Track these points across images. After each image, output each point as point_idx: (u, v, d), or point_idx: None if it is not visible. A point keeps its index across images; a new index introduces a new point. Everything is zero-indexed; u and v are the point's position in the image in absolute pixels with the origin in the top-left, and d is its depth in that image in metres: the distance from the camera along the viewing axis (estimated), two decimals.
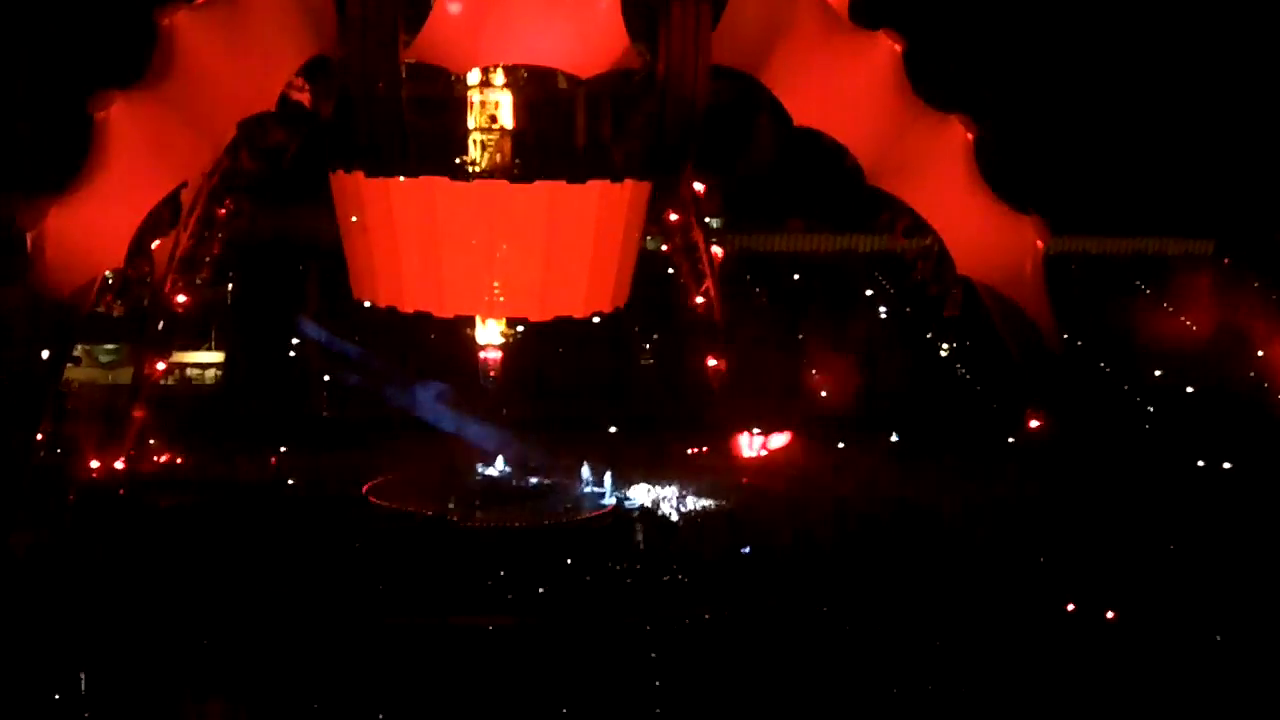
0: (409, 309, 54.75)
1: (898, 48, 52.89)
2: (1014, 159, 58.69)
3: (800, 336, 73.32)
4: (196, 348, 69.58)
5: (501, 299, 54.75)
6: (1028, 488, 52.98)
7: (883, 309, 77.90)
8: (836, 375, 69.04)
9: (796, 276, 79.07)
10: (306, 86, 53.87)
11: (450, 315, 55.89)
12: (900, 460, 60.56)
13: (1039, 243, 52.59)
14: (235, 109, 49.70)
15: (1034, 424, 55.90)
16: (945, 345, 74.55)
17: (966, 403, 68.26)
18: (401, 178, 52.55)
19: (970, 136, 52.73)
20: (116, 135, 45.98)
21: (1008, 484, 54.32)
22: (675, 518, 52.91)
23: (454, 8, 51.17)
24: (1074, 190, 73.18)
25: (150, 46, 48.44)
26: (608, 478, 55.05)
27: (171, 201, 49.50)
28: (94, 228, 45.77)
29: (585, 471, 56.18)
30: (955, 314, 55.96)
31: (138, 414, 56.80)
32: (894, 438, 64.55)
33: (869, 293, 78.52)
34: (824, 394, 69.41)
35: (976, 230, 52.83)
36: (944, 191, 52.99)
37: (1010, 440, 58.69)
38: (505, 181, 55.42)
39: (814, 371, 70.24)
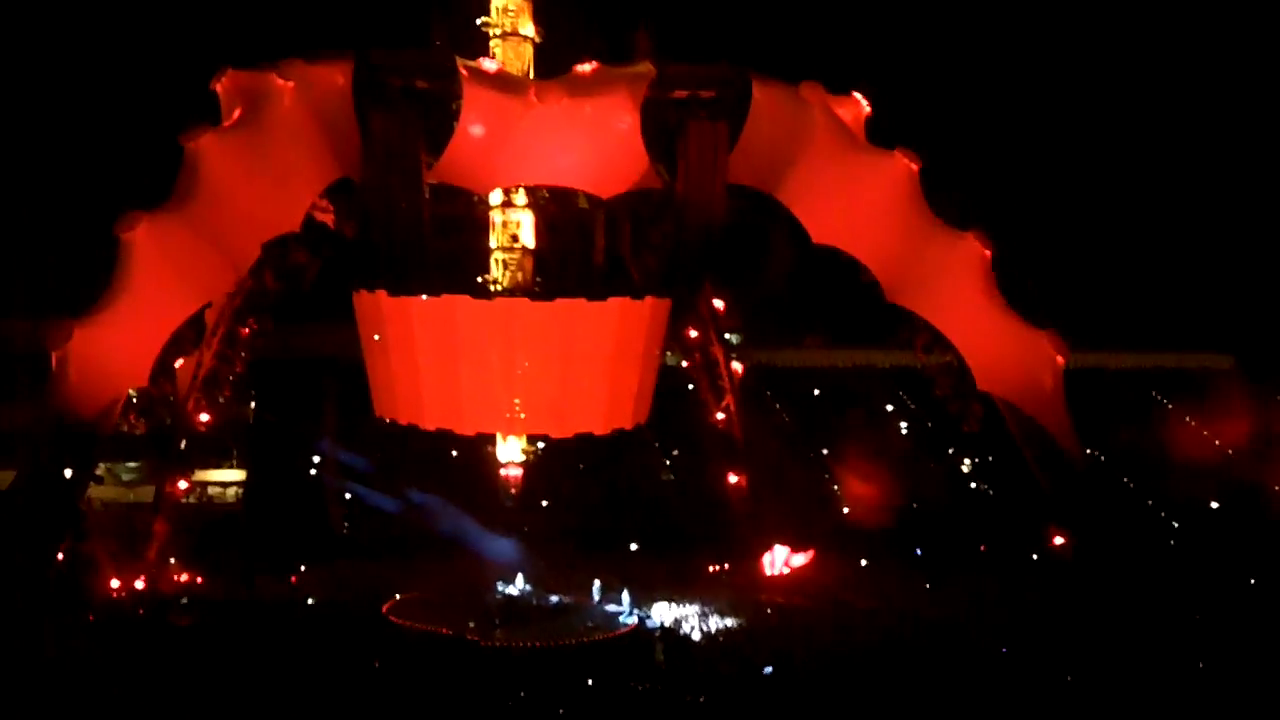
0: (430, 426, 54.95)
1: (914, 166, 53.45)
2: (1031, 274, 58.98)
3: (821, 452, 73.25)
4: (218, 466, 69.77)
5: (522, 416, 54.95)
6: (1051, 604, 52.43)
7: (903, 424, 77.83)
8: (858, 491, 68.81)
9: (817, 392, 79.17)
10: (330, 207, 54.54)
11: (471, 433, 56.11)
12: (923, 577, 59.98)
13: (1058, 358, 52.67)
14: (260, 230, 50.34)
15: (1057, 540, 55.50)
16: (966, 460, 74.30)
17: (989, 519, 67.70)
18: (423, 296, 53.08)
19: (987, 253, 53.14)
20: (141, 256, 46.53)
21: (1031, 600, 53.81)
22: (696, 636, 52.37)
23: (476, 130, 51.96)
24: (1092, 305, 73.45)
25: (175, 169, 49.03)
26: (625, 596, 54.65)
27: (195, 321, 50.15)
28: (118, 348, 46.16)
29: (596, 589, 55.73)
30: (976, 429, 55.91)
31: (159, 532, 56.74)
32: (917, 554, 63.99)
33: (889, 408, 78.51)
34: (846, 510, 69.15)
35: (995, 346, 52.97)
36: (962, 307, 53.24)
37: (1034, 557, 58.18)
38: (526, 299, 55.98)
39: (835, 488, 70.03)
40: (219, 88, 51.56)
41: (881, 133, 55.57)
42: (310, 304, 57.82)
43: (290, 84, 50.30)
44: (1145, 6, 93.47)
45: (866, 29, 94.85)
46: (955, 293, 53.19)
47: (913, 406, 76.77)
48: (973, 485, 73.13)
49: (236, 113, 50.58)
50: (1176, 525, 67.10)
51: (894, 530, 66.11)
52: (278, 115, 50.06)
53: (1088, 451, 56.29)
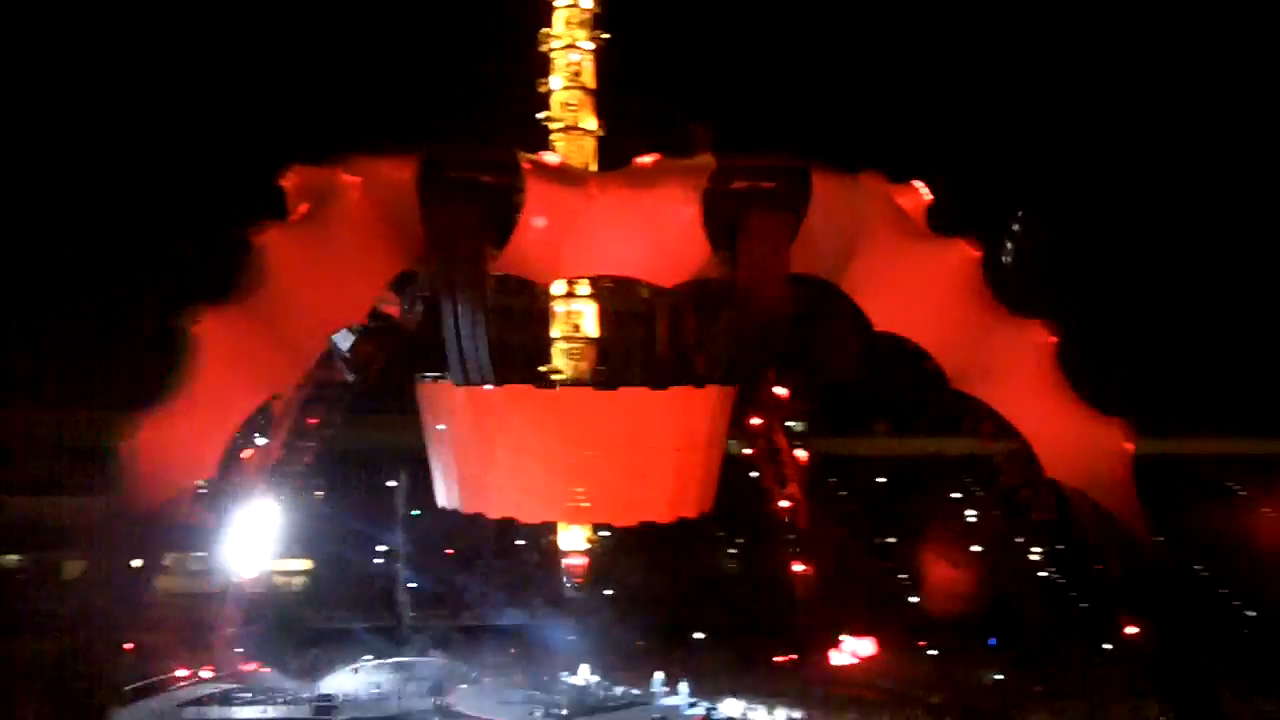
0: (494, 515, 55.15)
1: (976, 254, 53.21)
2: (1099, 361, 58.40)
3: (888, 541, 72.56)
4: (284, 555, 70.10)
5: (585, 505, 55.05)
6: (1125, 694, 51.40)
7: (971, 512, 76.93)
8: (926, 580, 68.02)
9: (882, 480, 78.56)
10: (395, 299, 55.15)
11: (535, 521, 56.28)
12: (993, 666, 59.02)
13: (1127, 445, 51.87)
14: (325, 323, 50.91)
15: (1129, 629, 54.39)
16: (1036, 549, 73.23)
17: (1059, 607, 66.58)
18: (487, 386, 53.42)
19: (1052, 340, 52.59)
20: (209, 349, 46.90)
21: (1104, 691, 52.77)
22: None
23: (539, 223, 52.45)
24: (1162, 391, 72.52)
25: (242, 263, 49.61)
26: (684, 687, 54.15)
27: (262, 413, 50.62)
28: (186, 440, 46.47)
29: (658, 681, 55.26)
30: (1045, 517, 55.08)
31: (225, 622, 57.08)
32: (988, 643, 63.01)
33: (956, 496, 77.68)
34: (914, 599, 68.29)
35: (1063, 434, 52.25)
36: (1028, 395, 52.62)
37: (1106, 646, 57.08)
38: (589, 388, 56.27)
39: (903, 576, 69.24)
40: (286, 184, 52.46)
41: (943, 221, 55.46)
42: (375, 395, 58.37)
43: (356, 179, 51.07)
44: (1204, 98, 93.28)
45: (927, 119, 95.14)
46: (1021, 380, 52.62)
47: (980, 494, 75.90)
48: (1043, 574, 71.97)
49: (303, 208, 51.39)
50: (1251, 615, 65.64)
51: (963, 619, 65.16)
52: (343, 210, 50.77)
53: (1158, 539, 55.21)
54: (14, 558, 71.26)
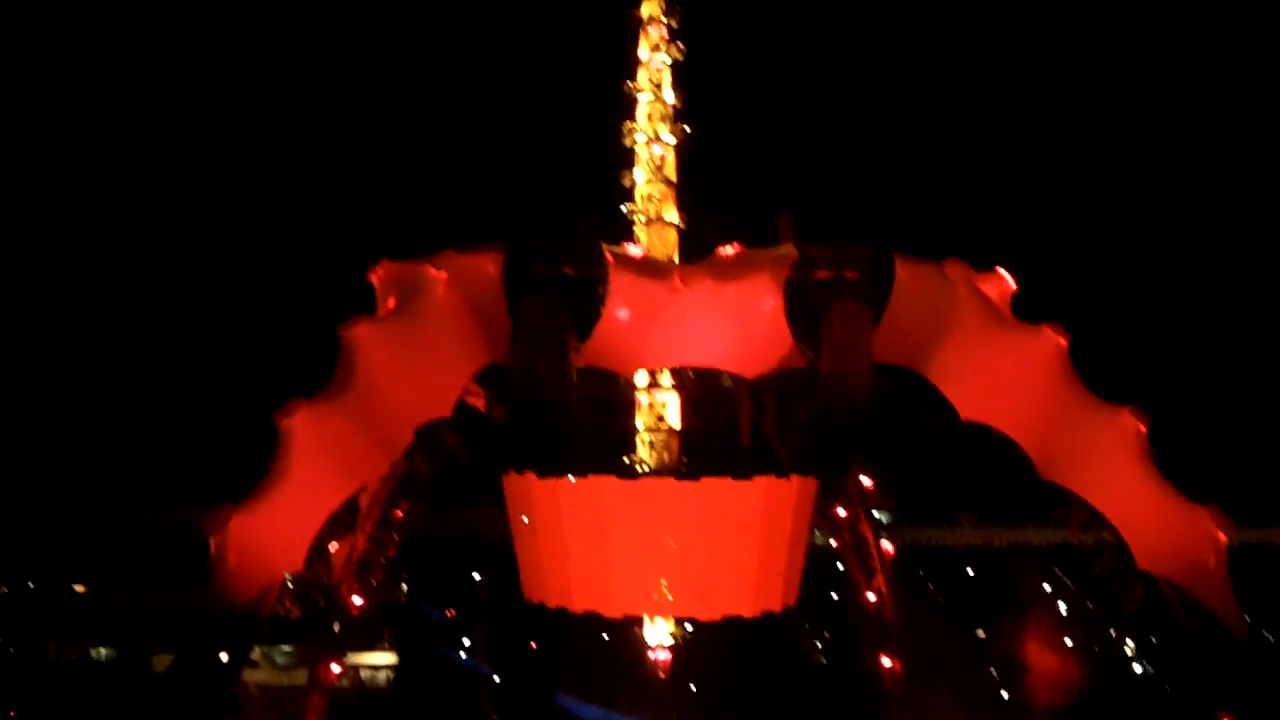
0: (578, 609, 54.87)
1: (1062, 341, 52.63)
2: (1190, 449, 57.34)
3: (978, 634, 71.24)
4: (370, 649, 70.21)
5: (670, 598, 54.62)
6: None
7: (1062, 605, 75.46)
8: (1017, 675, 66.62)
9: (971, 572, 77.36)
10: (480, 392, 55.57)
11: (619, 615, 55.81)
12: None
13: (1221, 535, 50.65)
14: (413, 416, 51.12)
15: None
16: (1129, 642, 71.59)
17: (1154, 703, 64.89)
18: (571, 478, 53.50)
19: (1142, 427, 51.68)
20: (299, 443, 47.44)
21: None
22: None
23: (622, 314, 52.79)
24: (1257, 478, 71.03)
25: (333, 358, 50.23)
26: None
27: (349, 505, 50.97)
28: (275, 534, 46.84)
29: None
30: (1137, 610, 53.90)
31: (312, 715, 57.04)
32: None
33: (1047, 588, 76.27)
34: (1005, 695, 66.85)
35: (1154, 523, 51.15)
36: (1118, 484, 51.66)
37: None
38: (672, 479, 56.13)
39: (993, 671, 67.88)
40: (375, 279, 53.34)
41: (1028, 308, 55.06)
42: (461, 487, 58.62)
43: (443, 274, 51.84)
44: None
45: (1009, 204, 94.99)
46: (1111, 469, 51.69)
47: (1071, 586, 74.47)
48: (1136, 668, 70.26)
49: (391, 302, 52.16)
50: None
51: (1056, 715, 63.66)
52: (431, 304, 51.47)
53: (1255, 632, 53.82)
54: (105, 650, 71.92)
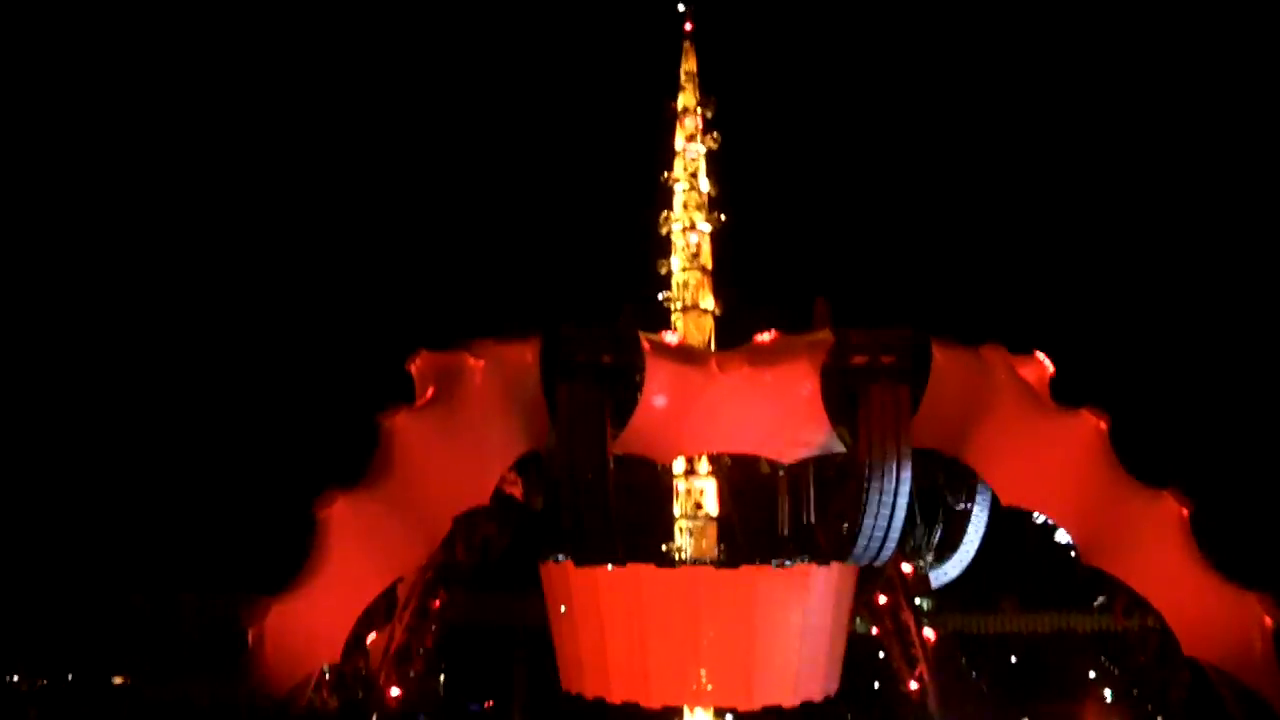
0: (617, 700, 54.41)
1: (1103, 425, 52.35)
2: (1236, 532, 56.65)
3: None
4: None
5: (709, 688, 54.12)
6: None
7: (1107, 692, 74.18)
8: None
9: (1014, 659, 76.20)
10: (518, 480, 55.60)
11: (658, 706, 55.24)
12: None
13: (1268, 620, 49.90)
14: (452, 504, 51.23)
15: None
16: None
17: None
18: (609, 566, 53.33)
19: (1185, 511, 51.14)
20: (339, 533, 47.59)
21: None
22: None
23: (659, 401, 52.89)
24: None
25: (372, 447, 50.45)
26: None
27: (388, 595, 50.88)
28: (313, 624, 46.88)
29: None
30: (1183, 696, 52.99)
31: None
32: None
33: (1091, 675, 75.02)
34: None
35: (1200, 609, 50.43)
36: (1162, 569, 51.04)
37: None
38: (710, 567, 55.84)
39: None
40: (413, 368, 53.59)
41: (1067, 391, 54.84)
42: (499, 575, 58.47)
43: (481, 363, 52.13)
44: None
45: (1046, 289, 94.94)
46: (1154, 553, 51.12)
47: (1116, 673, 73.19)
48: None
49: (430, 391, 52.36)
50: None
51: None
52: (469, 393, 51.73)
53: None
54: None
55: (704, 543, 59.10)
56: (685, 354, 55.52)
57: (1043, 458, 52.70)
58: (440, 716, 70.29)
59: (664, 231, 62.19)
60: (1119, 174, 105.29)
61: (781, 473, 58.18)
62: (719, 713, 57.88)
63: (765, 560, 55.64)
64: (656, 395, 52.82)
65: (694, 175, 62.56)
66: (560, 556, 54.79)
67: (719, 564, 56.67)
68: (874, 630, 63.43)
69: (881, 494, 52.51)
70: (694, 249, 61.73)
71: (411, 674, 56.72)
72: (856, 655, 58.50)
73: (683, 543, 59.13)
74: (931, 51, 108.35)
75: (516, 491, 55.94)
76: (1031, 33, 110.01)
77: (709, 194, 62.37)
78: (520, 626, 64.96)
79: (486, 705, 70.40)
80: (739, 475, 59.71)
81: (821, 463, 56.37)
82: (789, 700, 54.12)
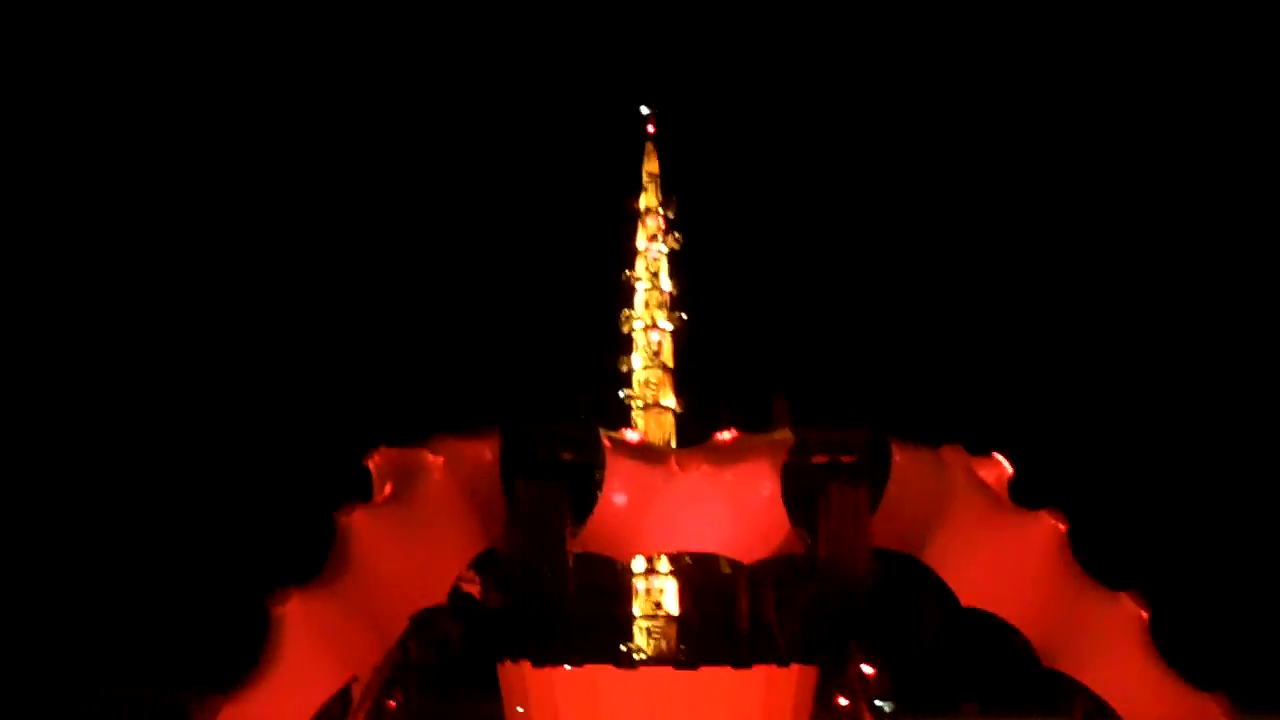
0: None
1: (1061, 526, 52.43)
2: (1193, 634, 56.77)
3: None
4: None
5: None
6: None
7: None
8: None
9: None
10: (476, 578, 55.19)
11: None
12: None
13: None
14: (408, 603, 50.59)
15: None
16: None
17: None
18: (566, 667, 52.75)
19: (1144, 614, 51.18)
20: (292, 631, 46.69)
21: None
22: None
23: (619, 499, 52.80)
24: (1260, 664, 70.05)
25: (327, 545, 49.77)
26: None
27: (342, 695, 50.11)
28: None
29: None
30: None
31: None
32: None
33: None
34: None
35: (1159, 711, 50.15)
36: (1122, 672, 50.89)
37: None
38: (671, 668, 55.32)
39: None
40: (371, 464, 53.23)
41: (1026, 493, 55.02)
42: (455, 675, 57.76)
43: (440, 459, 51.80)
44: None
45: (1004, 389, 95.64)
46: (1114, 656, 51.00)
47: None
48: None
49: (388, 488, 51.88)
50: None
51: None
52: (428, 490, 51.31)
53: None
54: None
55: (664, 643, 58.72)
56: (645, 452, 55.48)
57: (1002, 559, 52.66)
58: None
59: (625, 330, 62.49)
60: (1075, 271, 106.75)
61: (742, 572, 57.91)
62: None
63: (725, 661, 55.21)
64: (616, 493, 52.73)
65: (655, 274, 63.04)
66: (518, 657, 54.14)
67: (679, 665, 56.14)
68: None
69: (841, 593, 52.50)
70: (655, 347, 62.03)
71: None
72: None
73: (642, 643, 58.72)
74: (889, 151, 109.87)
75: (474, 590, 55.49)
76: (983, 125, 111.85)
77: (670, 293, 62.79)
78: None
79: None
80: (699, 574, 59.46)
81: (782, 562, 56.14)
82: None
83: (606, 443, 53.08)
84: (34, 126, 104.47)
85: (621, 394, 61.70)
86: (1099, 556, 53.05)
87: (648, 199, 64.07)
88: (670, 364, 62.07)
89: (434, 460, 51.93)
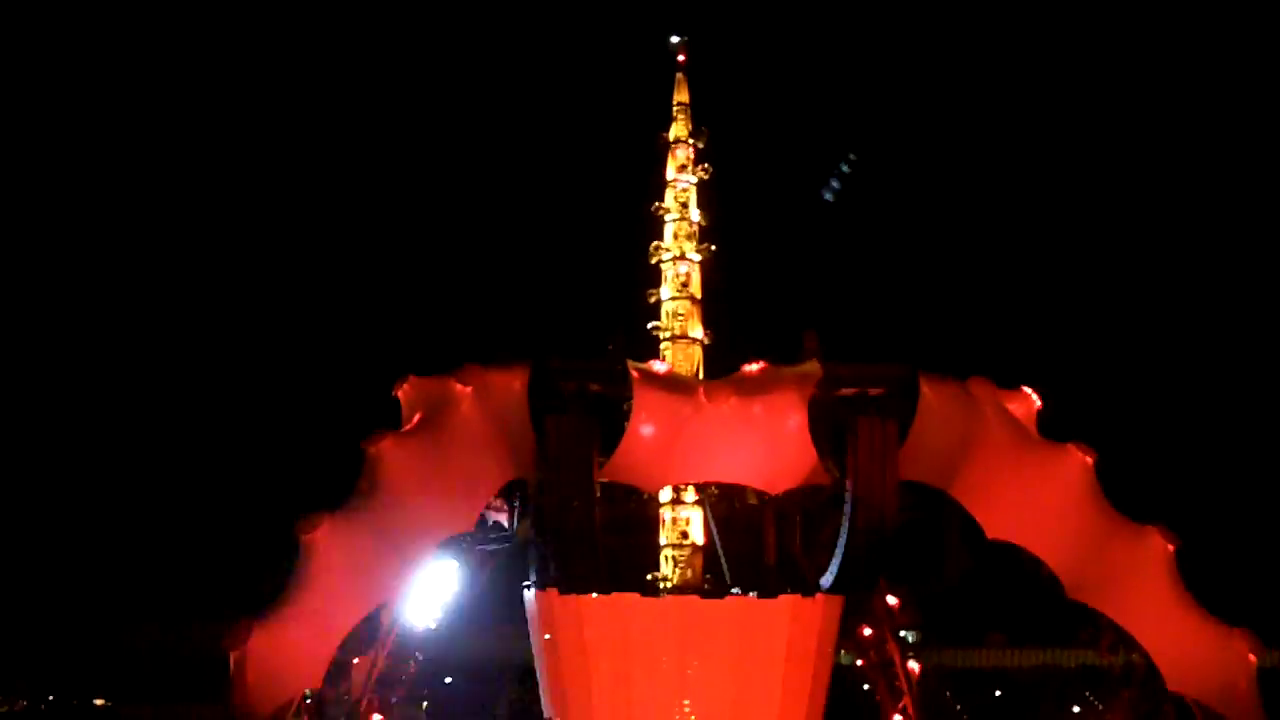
0: None
1: (1089, 459, 52.35)
2: (1221, 569, 56.65)
3: None
4: None
5: (693, 718, 53.90)
6: None
7: None
8: None
9: (999, 693, 76.11)
10: (504, 507, 55.45)
11: None
12: None
13: (1251, 657, 49.88)
14: (436, 531, 51.01)
15: None
16: None
17: None
18: (594, 595, 53.15)
19: (1171, 547, 51.16)
20: (321, 557, 47.19)
21: None
22: None
23: (647, 431, 52.85)
24: None
25: (356, 472, 50.14)
26: None
27: (370, 620, 50.54)
28: (295, 648, 46.38)
29: None
30: None
31: None
32: None
33: (1076, 710, 74.88)
34: None
35: (1184, 645, 50.39)
36: (1148, 605, 51.00)
37: None
38: (696, 597, 55.69)
39: None
40: (400, 394, 53.41)
41: (1054, 426, 54.83)
42: (483, 604, 58.19)
43: (469, 389, 52.01)
44: None
45: (1034, 322, 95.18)
46: (1140, 590, 51.09)
47: (1100, 708, 73.03)
48: None
49: (417, 417, 52.17)
50: None
51: None
52: (456, 420, 51.54)
53: None
54: None
55: (689, 572, 58.91)
56: (673, 383, 55.49)
57: (1029, 492, 52.65)
58: None
59: (654, 261, 62.25)
60: (1106, 209, 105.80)
61: (768, 503, 58.05)
62: None
63: (751, 591, 55.58)
64: (644, 424, 52.79)
65: (684, 205, 62.63)
66: (545, 585, 54.59)
67: (704, 594, 56.53)
68: (859, 663, 63.31)
69: (868, 525, 52.53)
70: (684, 278, 61.74)
71: (394, 701, 56.45)
72: (841, 688, 58.20)
73: (668, 572, 58.95)
74: (922, 87, 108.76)
75: (502, 519, 55.79)
76: (1034, 52, 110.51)
77: (699, 224, 62.45)
78: (505, 655, 64.79)
79: None
80: (725, 505, 59.59)
81: (808, 493, 56.22)
82: None
83: (634, 374, 53.11)
84: (34, 125, 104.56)
85: (650, 326, 61.57)
86: (1127, 490, 53.04)
87: (677, 129, 63.54)
88: (698, 295, 61.83)
89: (463, 390, 52.11)
